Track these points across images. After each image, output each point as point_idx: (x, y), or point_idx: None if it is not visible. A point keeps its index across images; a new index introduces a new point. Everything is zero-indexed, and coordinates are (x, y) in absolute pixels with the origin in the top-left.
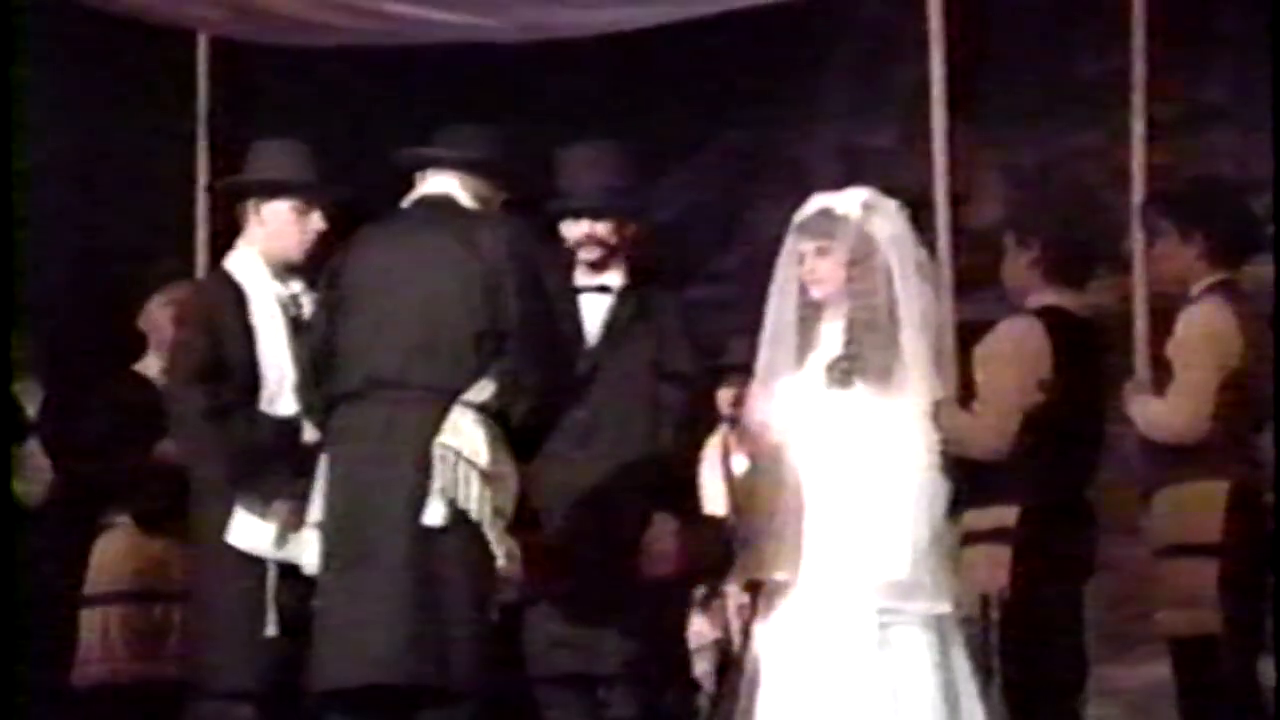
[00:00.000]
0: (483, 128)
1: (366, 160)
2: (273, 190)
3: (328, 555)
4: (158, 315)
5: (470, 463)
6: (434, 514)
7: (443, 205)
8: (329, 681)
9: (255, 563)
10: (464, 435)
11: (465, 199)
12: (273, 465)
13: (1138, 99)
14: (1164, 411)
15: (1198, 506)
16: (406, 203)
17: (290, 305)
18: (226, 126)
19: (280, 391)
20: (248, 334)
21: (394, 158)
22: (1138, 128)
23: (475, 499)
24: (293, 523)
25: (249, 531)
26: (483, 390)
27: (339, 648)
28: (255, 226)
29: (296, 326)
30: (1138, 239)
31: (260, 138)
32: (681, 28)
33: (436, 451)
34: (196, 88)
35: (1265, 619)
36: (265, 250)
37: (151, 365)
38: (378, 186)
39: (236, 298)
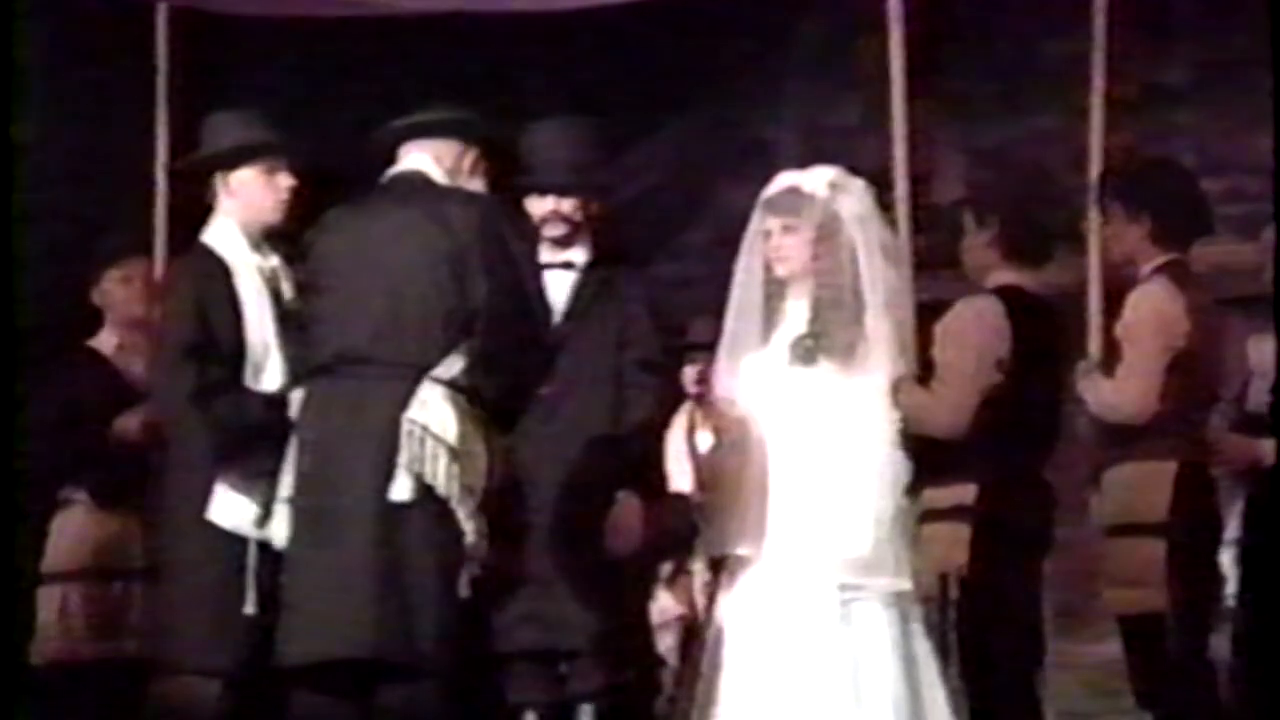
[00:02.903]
0: (454, 103)
1: (335, 132)
2: (236, 158)
3: (296, 530)
4: (114, 290)
5: (438, 438)
6: (401, 489)
7: (415, 182)
8: (295, 656)
9: (234, 540)
10: (432, 411)
11: (438, 175)
12: (260, 443)
13: (1097, 80)
14: (1112, 391)
15: (1146, 486)
16: (383, 180)
17: (271, 277)
18: (186, 99)
19: (264, 366)
20: (234, 309)
21: (371, 138)
22: (1096, 109)
23: (443, 474)
24: (274, 501)
25: (231, 509)
26: (451, 366)
27: (306, 623)
28: (226, 199)
29: (277, 299)
30: (1092, 220)
31: (221, 109)
32: (646, 5)
33: (404, 427)
34: (155, 59)
35: (1213, 597)
36: (242, 220)
37: (107, 341)
38: (349, 157)
39: (221, 272)
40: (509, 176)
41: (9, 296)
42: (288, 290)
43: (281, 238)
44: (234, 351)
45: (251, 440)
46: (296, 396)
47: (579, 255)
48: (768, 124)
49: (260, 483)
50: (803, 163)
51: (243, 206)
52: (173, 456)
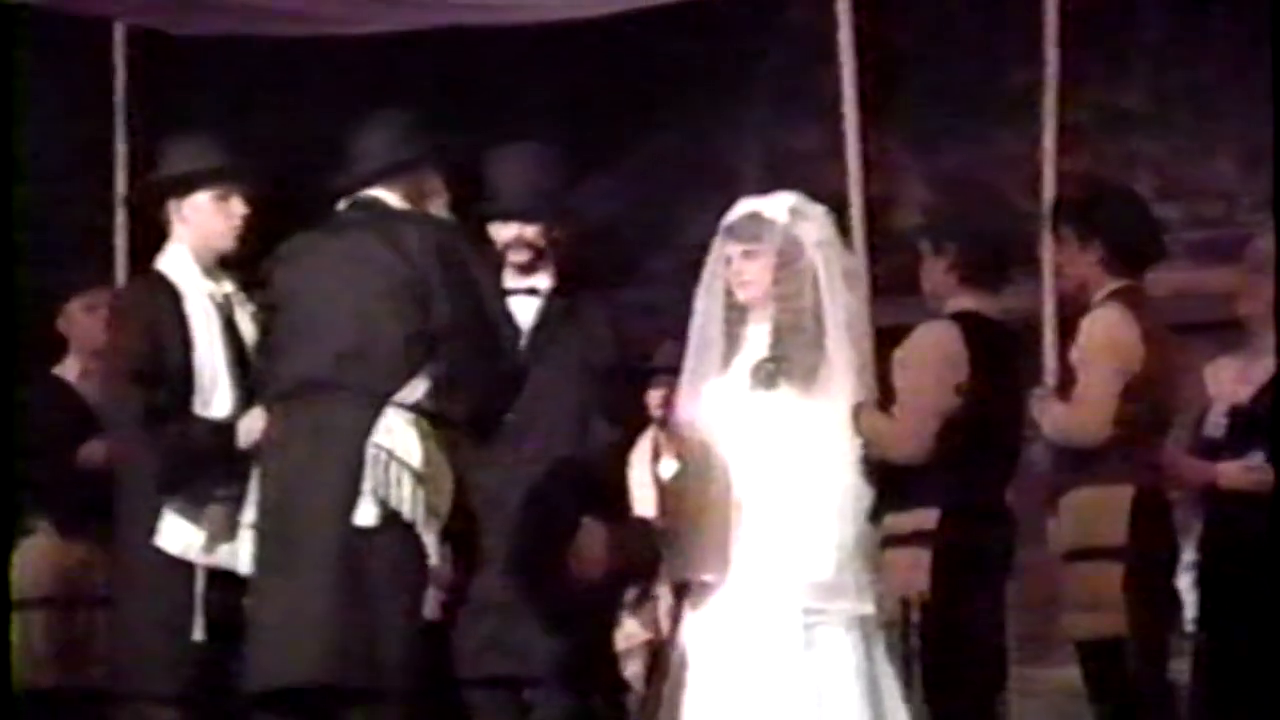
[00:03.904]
0: (405, 119)
1: (293, 156)
2: (188, 184)
3: (260, 556)
4: (78, 318)
5: (403, 463)
6: (365, 514)
7: (372, 208)
8: (260, 682)
9: (183, 566)
10: (396, 436)
11: (395, 200)
12: (206, 469)
13: (1049, 104)
14: (1067, 416)
15: (1103, 510)
16: (340, 207)
17: (224, 304)
18: (145, 123)
19: (213, 393)
20: (184, 335)
21: (330, 188)
22: (1049, 134)
23: (408, 499)
24: (223, 527)
25: (178, 535)
26: (415, 390)
27: (270, 648)
28: (179, 225)
29: (229, 326)
30: (1046, 246)
31: (179, 132)
32: (609, 28)
33: (369, 452)
34: (114, 83)
35: (1171, 621)
36: (195, 246)
37: (71, 369)
38: (307, 175)
39: (172, 298)
40: (472, 203)
41: None
42: (241, 317)
43: (236, 264)
44: (183, 378)
45: (199, 466)
46: (245, 424)
47: (543, 281)
48: (730, 150)
49: (208, 509)
50: (765, 189)
51: (195, 233)
52: (122, 482)
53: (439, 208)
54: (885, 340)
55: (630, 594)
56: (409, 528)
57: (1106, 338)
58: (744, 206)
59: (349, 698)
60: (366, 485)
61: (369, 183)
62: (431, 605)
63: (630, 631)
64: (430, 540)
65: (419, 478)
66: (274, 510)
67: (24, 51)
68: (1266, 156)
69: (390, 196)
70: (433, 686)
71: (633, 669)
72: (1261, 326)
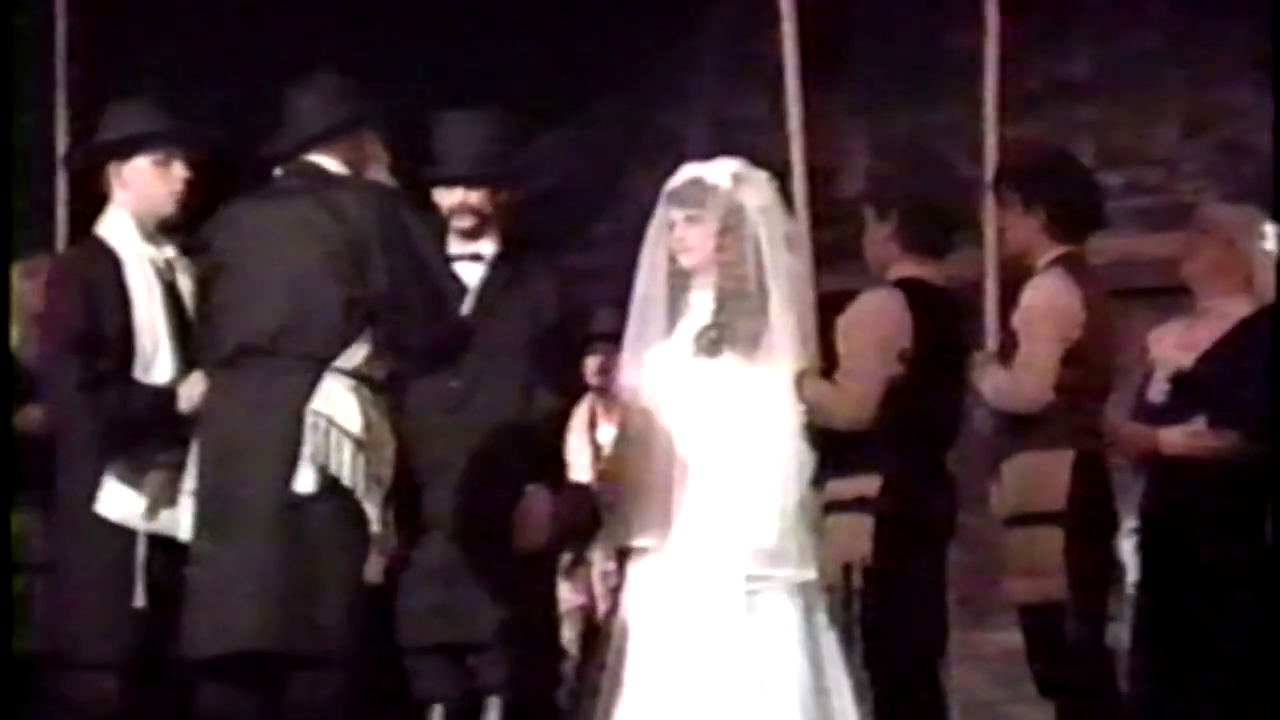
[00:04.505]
0: (338, 82)
1: (236, 116)
2: (128, 148)
3: (200, 523)
4: (17, 285)
5: (343, 430)
6: (304, 481)
7: (311, 173)
8: (201, 648)
9: (124, 533)
10: (335, 402)
11: (334, 165)
12: (147, 435)
13: (991, 71)
14: (1008, 382)
15: (1043, 475)
16: (278, 172)
17: (165, 270)
18: (87, 86)
19: (154, 358)
20: (123, 300)
21: (265, 153)
22: (990, 101)
23: (347, 466)
24: (164, 493)
25: (119, 502)
26: (354, 356)
27: (210, 615)
28: (119, 189)
29: (170, 291)
30: (988, 212)
31: (121, 96)
32: None
33: (308, 419)
34: (54, 45)
35: (1110, 585)
36: (135, 211)
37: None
38: (249, 140)
39: (112, 263)
40: (417, 168)
41: None
42: (183, 282)
43: (178, 228)
44: (122, 343)
45: (139, 432)
46: (186, 389)
47: (488, 247)
48: (675, 116)
49: (149, 475)
50: (710, 155)
51: (136, 197)
52: (62, 449)
53: (380, 172)
54: (829, 307)
55: (563, 559)
56: (349, 494)
57: (1048, 304)
58: (687, 172)
59: (290, 664)
60: (306, 452)
61: (304, 148)
62: (373, 571)
63: (563, 596)
64: (371, 507)
65: (359, 444)
66: (214, 477)
67: None
68: (1206, 123)
69: (329, 161)
70: (375, 653)
71: (566, 634)
72: (1205, 289)
